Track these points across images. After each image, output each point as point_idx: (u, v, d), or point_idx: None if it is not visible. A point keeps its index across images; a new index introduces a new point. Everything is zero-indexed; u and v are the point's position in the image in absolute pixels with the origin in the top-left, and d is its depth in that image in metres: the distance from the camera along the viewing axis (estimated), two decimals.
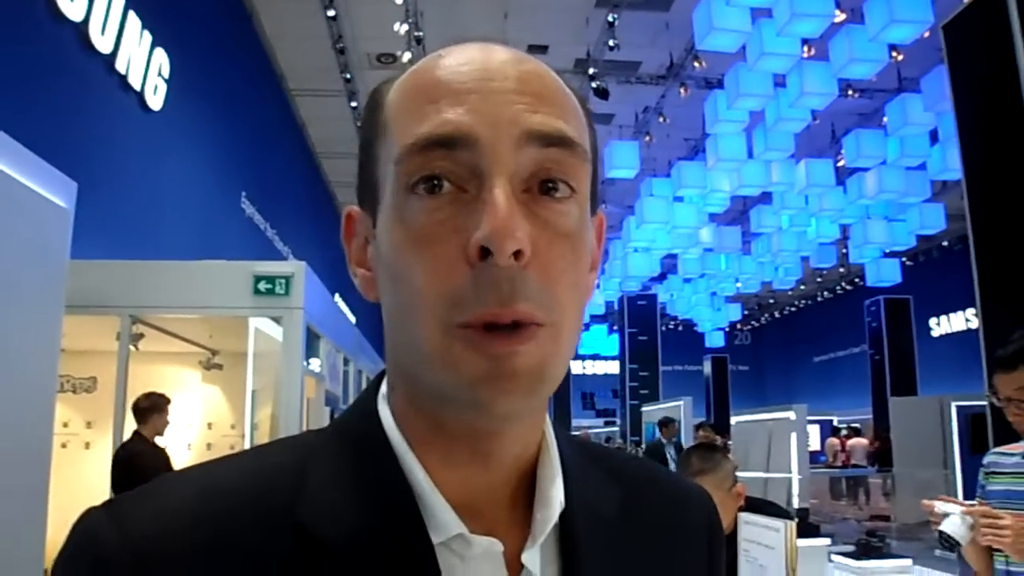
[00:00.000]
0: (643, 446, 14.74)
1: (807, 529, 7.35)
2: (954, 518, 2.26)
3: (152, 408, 5.32)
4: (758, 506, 2.68)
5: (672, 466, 9.33)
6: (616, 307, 22.54)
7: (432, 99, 0.56)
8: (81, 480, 6.04)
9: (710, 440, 9.47)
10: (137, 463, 5.07)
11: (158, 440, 5.38)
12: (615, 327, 24.19)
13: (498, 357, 0.52)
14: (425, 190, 0.54)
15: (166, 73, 7.62)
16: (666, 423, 10.36)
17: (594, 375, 31.83)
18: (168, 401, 5.43)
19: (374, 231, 0.60)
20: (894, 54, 9.97)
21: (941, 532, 2.27)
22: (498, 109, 0.55)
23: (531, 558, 0.59)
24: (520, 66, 0.58)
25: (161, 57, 7.50)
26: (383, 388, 0.64)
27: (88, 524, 0.54)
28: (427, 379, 0.56)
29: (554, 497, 0.60)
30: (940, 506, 2.30)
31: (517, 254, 0.52)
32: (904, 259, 18.78)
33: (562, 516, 0.61)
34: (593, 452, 0.71)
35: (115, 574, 0.52)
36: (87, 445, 6.55)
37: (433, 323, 0.53)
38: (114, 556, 0.52)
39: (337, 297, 11.34)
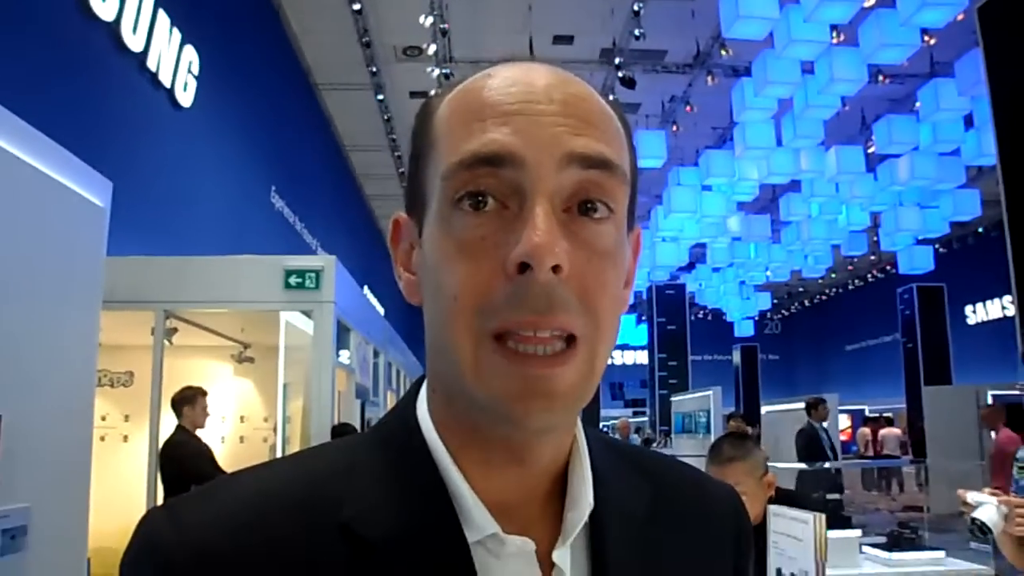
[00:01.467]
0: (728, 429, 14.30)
1: (838, 520, 7.31)
2: (988, 507, 2.26)
3: (183, 400, 5.42)
4: (792, 498, 2.66)
5: (828, 451, 9.00)
6: (645, 297, 22.44)
7: (480, 118, 0.58)
8: (120, 472, 6.15)
9: (741, 430, 9.41)
10: (175, 454, 5.20)
11: (200, 432, 5.47)
12: (644, 317, 24.08)
13: (534, 379, 0.54)
14: (470, 205, 0.56)
15: (196, 70, 7.70)
16: (815, 404, 9.44)
17: (623, 365, 31.74)
18: (196, 391, 5.49)
19: (420, 239, 0.63)
20: (926, 38, 9.81)
21: (973, 519, 2.26)
22: (542, 130, 0.56)
23: (562, 557, 0.61)
24: (566, 89, 0.59)
25: (191, 54, 7.58)
26: (423, 392, 0.66)
27: (149, 526, 0.58)
28: (461, 388, 0.58)
29: (583, 498, 0.63)
30: (973, 495, 2.30)
31: (556, 269, 0.53)
32: (937, 246, 18.50)
33: (592, 516, 0.63)
34: (623, 451, 0.73)
35: (175, 574, 0.55)
36: (125, 438, 6.67)
37: (465, 331, 0.56)
38: (174, 557, 0.55)
39: (366, 289, 11.41)
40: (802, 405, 9.85)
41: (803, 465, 8.89)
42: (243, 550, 0.56)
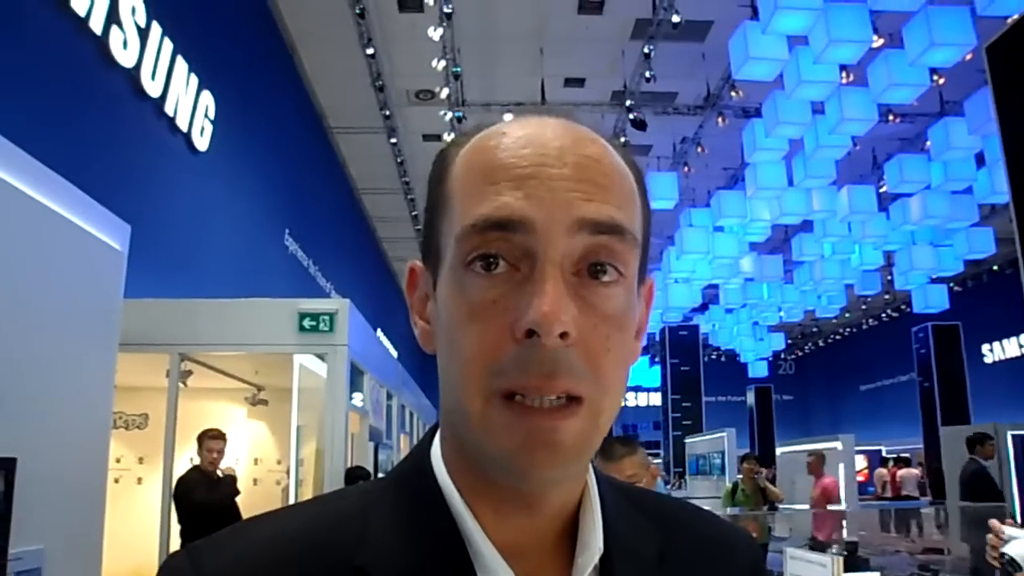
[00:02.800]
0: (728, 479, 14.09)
1: (856, 563, 7.17)
2: (1019, 541, 2.23)
3: (197, 440, 5.59)
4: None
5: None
6: (658, 338, 22.36)
7: (492, 181, 0.59)
8: (133, 514, 6.14)
9: (755, 471, 9.31)
10: (184, 489, 5.42)
11: (219, 472, 5.65)
12: (657, 358, 23.97)
13: (538, 431, 0.56)
14: (482, 267, 0.58)
15: (212, 115, 7.82)
16: (980, 440, 8.28)
17: (636, 407, 31.52)
18: (205, 434, 5.68)
19: (434, 291, 0.64)
20: (935, 78, 9.86)
21: (1003, 554, 2.23)
22: (554, 195, 0.57)
23: None
24: (580, 150, 0.60)
25: (207, 99, 7.71)
26: (437, 439, 0.68)
27: (172, 566, 0.60)
28: (472, 440, 0.60)
29: (594, 542, 0.64)
30: (1007, 530, 2.27)
31: (563, 335, 0.55)
32: (952, 285, 18.40)
33: (602, 559, 0.64)
34: (633, 495, 0.74)
35: None
36: (139, 480, 6.66)
37: (476, 391, 0.57)
38: None
39: (380, 332, 11.42)
40: (817, 447, 9.73)
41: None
42: None
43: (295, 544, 0.60)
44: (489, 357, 0.56)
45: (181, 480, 5.44)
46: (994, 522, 2.34)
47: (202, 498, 5.33)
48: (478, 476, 0.62)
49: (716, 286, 18.60)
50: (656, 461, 23.49)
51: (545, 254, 0.57)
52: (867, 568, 5.44)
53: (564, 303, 0.55)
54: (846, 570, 2.11)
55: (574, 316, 0.56)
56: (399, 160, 14.66)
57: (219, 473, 5.71)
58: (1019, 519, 7.72)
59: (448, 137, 12.78)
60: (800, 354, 33.31)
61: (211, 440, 5.62)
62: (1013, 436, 9.23)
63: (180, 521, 5.34)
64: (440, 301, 0.62)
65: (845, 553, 7.57)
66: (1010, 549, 2.22)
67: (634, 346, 0.65)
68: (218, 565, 0.58)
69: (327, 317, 5.70)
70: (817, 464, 9.20)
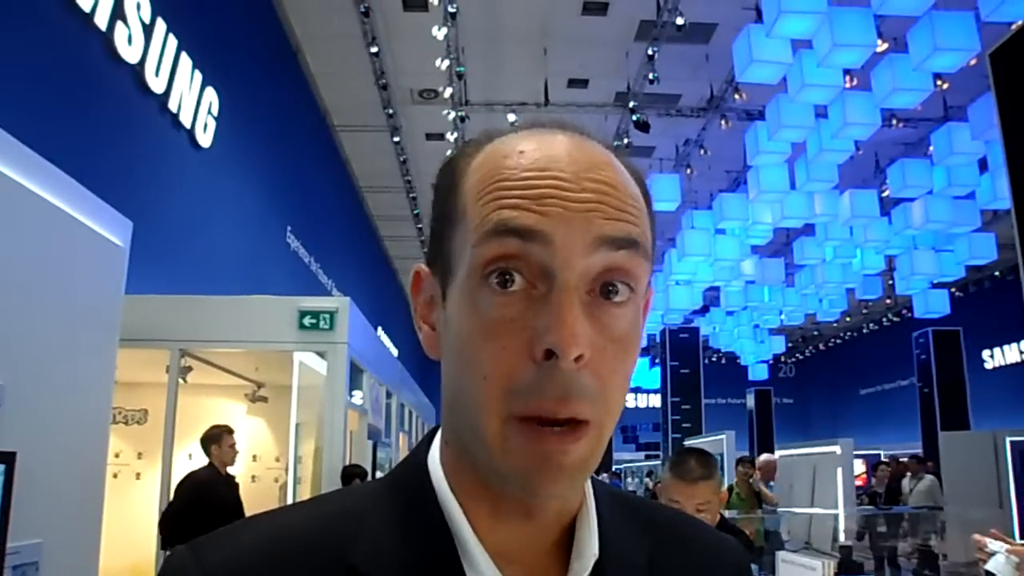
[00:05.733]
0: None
1: (851, 567, 7.16)
2: (999, 557, 2.24)
3: (210, 439, 5.40)
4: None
5: None
6: (658, 340, 22.35)
7: (510, 196, 0.59)
8: (132, 509, 6.14)
9: (748, 474, 9.33)
10: (206, 487, 5.21)
11: (231, 471, 5.46)
12: (657, 360, 23.96)
13: (550, 453, 0.57)
14: (498, 284, 0.58)
15: (215, 111, 7.83)
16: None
17: (636, 408, 31.52)
18: (223, 430, 5.47)
19: (443, 299, 0.64)
20: (939, 83, 9.86)
21: (987, 572, 2.24)
22: (572, 215, 0.58)
23: None
24: (596, 174, 0.60)
25: (211, 96, 7.71)
26: (436, 442, 0.69)
27: (176, 562, 0.61)
28: (482, 457, 0.61)
29: (589, 549, 0.65)
30: (990, 543, 2.28)
31: (578, 358, 0.56)
32: (953, 290, 18.39)
33: (596, 565, 0.65)
34: (628, 501, 0.75)
35: None
36: (138, 475, 6.67)
37: (494, 413, 0.58)
38: None
39: (380, 331, 11.42)
40: (819, 450, 9.70)
41: (817, 511, 8.75)
42: None
43: (293, 541, 0.62)
44: (507, 377, 0.57)
45: (200, 478, 5.25)
46: (977, 537, 2.34)
47: (223, 495, 5.25)
48: (478, 482, 0.63)
49: (717, 288, 18.59)
50: (655, 463, 23.51)
51: (564, 274, 0.57)
52: (860, 572, 5.43)
53: (582, 325, 0.56)
54: (839, 574, 2.11)
55: (589, 336, 0.57)
56: (402, 159, 14.66)
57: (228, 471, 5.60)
58: (1017, 527, 7.71)
59: (451, 136, 12.80)
60: (800, 357, 33.30)
61: (230, 436, 5.50)
62: (1012, 442, 9.23)
63: (194, 519, 5.06)
64: (451, 312, 0.62)
65: (838, 556, 7.57)
66: (991, 567, 2.24)
67: (635, 363, 0.66)
68: (219, 560, 0.60)
69: (327, 315, 5.70)
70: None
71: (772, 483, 9.51)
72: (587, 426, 0.58)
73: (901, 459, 13.91)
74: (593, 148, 0.63)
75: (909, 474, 10.82)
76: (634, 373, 0.67)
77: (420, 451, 0.69)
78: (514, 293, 0.58)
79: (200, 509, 5.06)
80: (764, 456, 10.30)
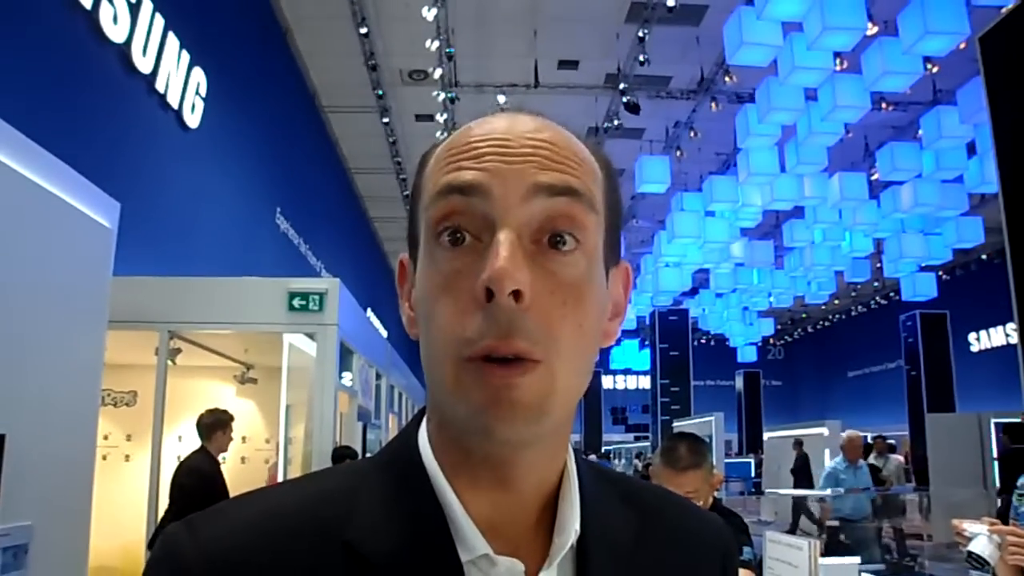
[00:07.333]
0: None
1: (836, 547, 7.24)
2: (981, 538, 2.26)
3: (215, 425, 5.26)
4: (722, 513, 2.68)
5: None
6: (647, 322, 22.45)
7: (455, 159, 0.63)
8: (121, 491, 6.13)
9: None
10: (208, 473, 5.09)
11: (222, 457, 5.35)
12: (646, 342, 24.08)
13: (498, 388, 0.58)
14: (449, 242, 0.61)
15: (203, 92, 7.76)
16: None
17: (625, 390, 31.68)
18: (229, 417, 5.36)
19: (415, 274, 0.67)
20: (929, 66, 9.88)
21: (969, 552, 2.26)
22: (509, 167, 0.61)
23: None
24: (539, 134, 0.64)
25: (199, 76, 7.65)
26: (424, 420, 0.70)
27: (170, 537, 0.62)
28: (448, 409, 0.62)
29: (570, 524, 0.66)
30: (969, 525, 2.30)
31: (517, 295, 0.57)
32: (940, 273, 18.51)
33: (579, 541, 0.66)
34: (613, 480, 0.76)
35: None
36: (127, 457, 6.65)
37: (449, 358, 0.60)
38: (191, 564, 0.60)
39: (370, 312, 11.42)
40: (805, 432, 9.78)
41: (804, 491, 8.82)
42: (253, 562, 0.60)
43: (288, 518, 0.63)
44: (459, 325, 0.59)
45: (204, 472, 5.09)
46: (955, 522, 2.37)
47: (221, 484, 5.21)
48: (458, 450, 0.64)
49: (707, 271, 18.67)
50: (644, 444, 23.65)
51: (501, 220, 0.60)
52: (848, 552, 5.48)
53: (516, 262, 0.58)
54: (826, 554, 2.13)
55: (528, 277, 0.58)
56: (391, 140, 14.61)
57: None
58: (1000, 507, 7.81)
59: (441, 117, 12.76)
60: (789, 340, 33.51)
61: (232, 423, 5.37)
62: (996, 424, 9.32)
63: (194, 506, 4.87)
64: (418, 280, 0.65)
65: (824, 537, 7.65)
66: (974, 547, 2.26)
67: (608, 326, 0.68)
68: (213, 536, 0.61)
69: (317, 296, 5.69)
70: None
71: (863, 461, 8.61)
72: (535, 364, 0.59)
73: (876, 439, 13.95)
74: (543, 119, 0.66)
75: (875, 452, 10.85)
76: (609, 341, 0.69)
77: (409, 429, 0.70)
78: (464, 248, 0.61)
79: (209, 503, 4.97)
80: (847, 432, 9.38)
